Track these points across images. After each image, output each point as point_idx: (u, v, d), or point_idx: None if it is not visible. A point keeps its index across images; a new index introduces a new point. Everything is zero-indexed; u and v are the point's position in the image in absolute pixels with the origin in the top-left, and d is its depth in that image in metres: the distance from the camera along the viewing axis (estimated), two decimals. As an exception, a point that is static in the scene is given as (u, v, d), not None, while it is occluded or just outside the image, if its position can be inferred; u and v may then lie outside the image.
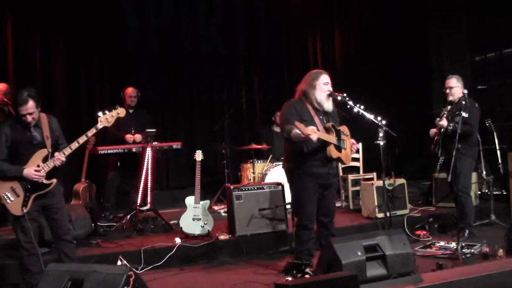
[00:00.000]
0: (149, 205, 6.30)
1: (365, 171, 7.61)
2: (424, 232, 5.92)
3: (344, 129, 4.79)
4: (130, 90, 7.00)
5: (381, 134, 4.87)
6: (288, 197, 5.47)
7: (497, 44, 8.83)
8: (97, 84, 8.30)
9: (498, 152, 6.96)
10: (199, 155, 5.98)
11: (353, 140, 4.86)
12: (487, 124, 6.93)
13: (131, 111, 6.89)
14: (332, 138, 4.55)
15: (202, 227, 5.67)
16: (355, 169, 7.65)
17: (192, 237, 5.60)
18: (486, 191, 6.98)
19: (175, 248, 5.26)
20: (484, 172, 7.01)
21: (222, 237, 5.57)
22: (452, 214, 6.17)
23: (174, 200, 8.04)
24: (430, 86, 9.56)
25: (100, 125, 4.44)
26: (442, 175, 6.55)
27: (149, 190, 6.34)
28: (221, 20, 9.25)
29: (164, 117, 8.83)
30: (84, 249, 5.32)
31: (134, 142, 6.71)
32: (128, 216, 6.45)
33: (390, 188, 6.39)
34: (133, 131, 6.76)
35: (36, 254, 4.29)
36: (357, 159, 7.58)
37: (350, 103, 4.76)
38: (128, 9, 8.53)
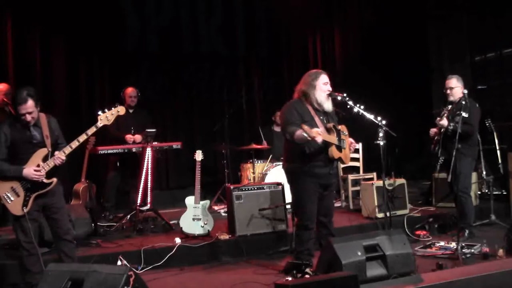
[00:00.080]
0: (149, 205, 6.30)
1: (365, 171, 7.60)
2: (424, 232, 5.92)
3: (343, 128, 4.80)
4: (130, 90, 7.01)
5: (381, 134, 4.88)
6: (288, 197, 5.47)
7: (497, 44, 8.82)
8: (97, 84, 8.29)
9: (498, 152, 6.97)
10: (199, 155, 5.98)
11: (351, 139, 4.87)
12: (487, 124, 6.93)
13: (131, 111, 6.88)
14: (333, 139, 4.56)
15: (202, 227, 5.67)
16: (355, 169, 7.64)
17: (192, 237, 5.60)
18: (486, 191, 6.98)
19: (175, 248, 5.25)
20: (484, 172, 7.01)
21: (222, 237, 5.56)
22: (452, 214, 6.17)
23: (174, 200, 8.03)
24: (430, 86, 9.56)
25: (100, 124, 4.45)
26: (442, 175, 6.56)
27: (149, 190, 6.34)
28: (221, 20, 9.24)
29: (164, 117, 8.82)
30: (84, 249, 5.31)
31: (134, 142, 6.71)
32: (128, 216, 6.45)
33: (390, 188, 6.38)
34: (133, 131, 6.75)
35: (36, 254, 4.29)
36: (357, 159, 7.58)
37: (350, 103, 4.77)
38: (128, 9, 8.51)
